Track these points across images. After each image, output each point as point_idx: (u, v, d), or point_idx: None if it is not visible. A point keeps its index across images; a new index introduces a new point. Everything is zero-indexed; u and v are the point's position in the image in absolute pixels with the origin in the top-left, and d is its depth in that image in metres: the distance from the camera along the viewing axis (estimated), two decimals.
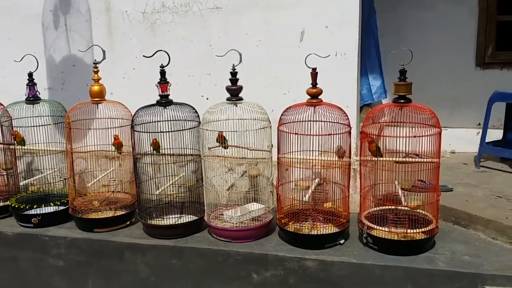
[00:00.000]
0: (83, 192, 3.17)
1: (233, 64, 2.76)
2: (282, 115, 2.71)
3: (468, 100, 4.35)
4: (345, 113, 2.65)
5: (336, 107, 2.66)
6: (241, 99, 2.78)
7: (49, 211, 3.10)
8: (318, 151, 2.64)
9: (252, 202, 2.93)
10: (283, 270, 2.57)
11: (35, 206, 3.09)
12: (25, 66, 3.08)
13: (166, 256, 2.75)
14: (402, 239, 2.54)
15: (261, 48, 3.21)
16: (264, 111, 2.79)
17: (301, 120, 2.64)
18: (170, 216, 2.95)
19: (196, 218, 2.90)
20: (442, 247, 2.57)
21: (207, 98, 3.30)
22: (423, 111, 2.53)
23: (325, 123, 2.62)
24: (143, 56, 2.83)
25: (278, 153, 2.73)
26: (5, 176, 3.23)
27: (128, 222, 3.03)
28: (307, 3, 3.09)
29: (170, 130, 2.77)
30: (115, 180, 3.16)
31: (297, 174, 2.73)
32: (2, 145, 3.19)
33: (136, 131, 2.80)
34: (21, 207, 3.08)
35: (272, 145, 2.82)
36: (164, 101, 2.79)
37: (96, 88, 2.95)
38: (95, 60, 2.98)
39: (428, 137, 2.49)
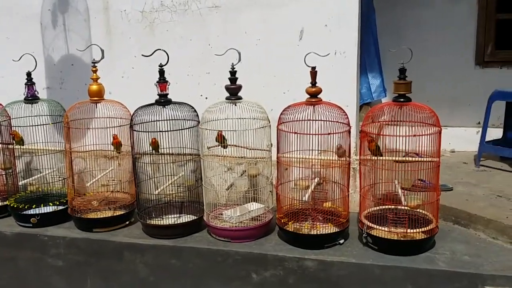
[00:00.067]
0: (82, 191, 3.17)
1: (232, 63, 2.75)
2: (281, 114, 2.70)
3: (467, 99, 4.34)
4: (344, 112, 2.64)
5: (335, 106, 2.65)
6: (240, 98, 2.77)
7: (48, 211, 3.09)
8: (318, 150, 2.63)
9: (252, 201, 2.92)
10: (282, 270, 2.56)
11: (34, 206, 3.09)
12: (24, 65, 3.08)
13: (165, 256, 2.74)
14: (402, 239, 2.53)
15: (260, 47, 3.20)
16: (263, 110, 2.78)
17: (301, 119, 2.63)
18: (169, 216, 2.94)
19: (195, 217, 2.89)
20: (442, 247, 2.56)
21: (206, 97, 3.29)
22: (423, 110, 2.53)
23: (325, 122, 2.62)
24: (142, 55, 2.82)
25: (278, 152, 2.72)
26: (4, 176, 3.22)
27: (127, 222, 3.03)
28: (306, 1, 3.08)
29: (169, 129, 2.76)
30: (114, 180, 3.15)
31: (297, 173, 2.72)
32: (1, 145, 3.18)
33: (135, 130, 2.79)
34: (20, 207, 3.08)
35: (271, 145, 2.81)
36: (163, 101, 2.79)
37: (94, 87, 2.94)
38: (94, 60, 2.98)
39: (428, 136, 2.48)
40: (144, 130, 2.78)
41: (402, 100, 2.53)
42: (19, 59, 3.06)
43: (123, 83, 3.47)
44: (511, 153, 3.58)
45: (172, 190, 2.91)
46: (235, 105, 2.77)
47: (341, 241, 2.65)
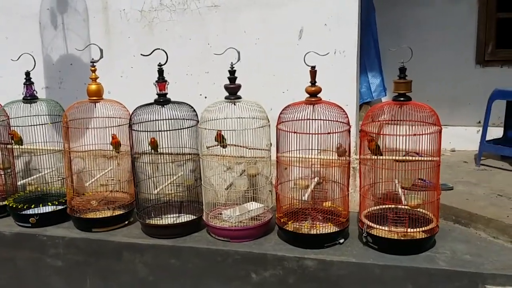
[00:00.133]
0: (81, 191, 3.16)
1: (232, 63, 2.74)
2: (281, 113, 2.69)
3: (468, 98, 4.33)
4: (344, 111, 2.63)
5: (335, 106, 2.64)
6: (239, 97, 2.76)
7: (47, 210, 3.08)
8: (317, 149, 2.62)
9: (251, 201, 2.92)
10: (282, 269, 2.55)
11: (33, 206, 3.08)
12: (23, 65, 3.07)
13: (165, 255, 2.74)
14: (402, 238, 2.52)
15: (260, 46, 3.19)
16: (262, 110, 2.78)
17: (300, 118, 2.63)
18: (169, 216, 2.94)
19: (194, 217, 2.88)
20: (442, 246, 2.55)
21: (206, 97, 3.29)
22: (423, 109, 2.52)
23: (324, 121, 2.61)
24: (141, 54, 2.81)
25: (277, 152, 2.71)
26: (2, 175, 3.22)
27: (126, 222, 3.02)
28: (305, 1, 3.07)
29: (168, 129, 2.76)
30: (113, 180, 3.14)
31: (296, 173, 2.71)
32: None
33: (134, 130, 2.79)
34: (19, 206, 3.07)
35: (271, 144, 2.80)
36: (162, 100, 2.78)
37: (93, 87, 2.93)
38: (93, 59, 2.97)
39: (428, 135, 2.48)
40: (143, 130, 2.77)
41: (402, 99, 2.52)
42: (18, 59, 3.06)
43: (122, 82, 3.47)
44: None
45: (171, 190, 2.90)
46: (235, 104, 2.76)
47: (341, 241, 2.64)
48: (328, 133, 2.58)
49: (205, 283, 2.70)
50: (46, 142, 3.13)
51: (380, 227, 2.55)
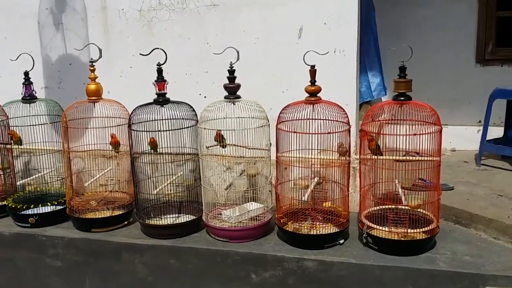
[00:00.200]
0: (81, 191, 3.15)
1: (231, 62, 2.73)
2: (280, 113, 2.68)
3: (468, 98, 4.31)
4: (344, 111, 2.62)
5: (335, 105, 2.63)
6: (239, 97, 2.75)
7: (46, 211, 3.08)
8: (317, 149, 2.61)
9: (251, 201, 2.91)
10: (282, 270, 2.55)
11: (32, 206, 3.08)
12: (22, 65, 3.07)
13: (164, 256, 2.73)
14: (402, 239, 2.51)
15: (259, 45, 3.18)
16: (262, 109, 2.77)
17: (300, 118, 2.61)
18: (168, 216, 2.93)
19: (194, 217, 2.88)
20: (443, 247, 2.54)
21: (205, 96, 3.28)
22: (423, 109, 2.51)
23: (324, 121, 2.60)
24: (140, 54, 2.81)
25: (277, 151, 2.71)
26: (2, 175, 3.21)
27: (125, 222, 3.01)
28: (305, 0, 3.06)
29: (167, 129, 2.75)
30: (112, 180, 3.14)
31: (296, 173, 2.70)
32: None
33: (133, 130, 2.78)
34: (18, 207, 3.07)
35: (270, 144, 2.79)
36: (161, 100, 2.77)
37: (92, 86, 2.93)
38: (92, 59, 2.96)
39: (429, 135, 2.47)
40: (143, 130, 2.77)
41: (402, 98, 2.51)
42: (17, 59, 3.05)
43: (121, 82, 3.46)
44: None
45: (170, 190, 2.89)
46: (234, 104, 2.75)
47: (341, 241, 2.63)
48: (328, 132, 2.57)
49: (205, 283, 2.69)
50: (45, 142, 3.13)
51: (380, 227, 2.54)
